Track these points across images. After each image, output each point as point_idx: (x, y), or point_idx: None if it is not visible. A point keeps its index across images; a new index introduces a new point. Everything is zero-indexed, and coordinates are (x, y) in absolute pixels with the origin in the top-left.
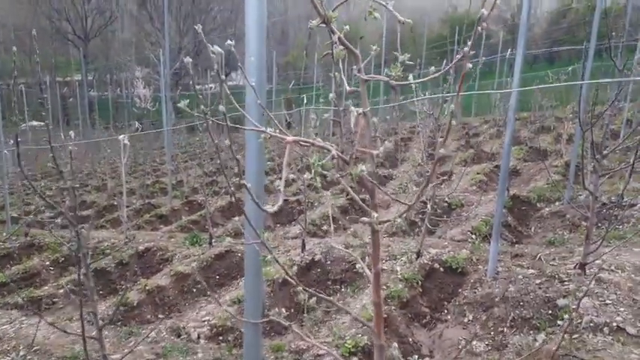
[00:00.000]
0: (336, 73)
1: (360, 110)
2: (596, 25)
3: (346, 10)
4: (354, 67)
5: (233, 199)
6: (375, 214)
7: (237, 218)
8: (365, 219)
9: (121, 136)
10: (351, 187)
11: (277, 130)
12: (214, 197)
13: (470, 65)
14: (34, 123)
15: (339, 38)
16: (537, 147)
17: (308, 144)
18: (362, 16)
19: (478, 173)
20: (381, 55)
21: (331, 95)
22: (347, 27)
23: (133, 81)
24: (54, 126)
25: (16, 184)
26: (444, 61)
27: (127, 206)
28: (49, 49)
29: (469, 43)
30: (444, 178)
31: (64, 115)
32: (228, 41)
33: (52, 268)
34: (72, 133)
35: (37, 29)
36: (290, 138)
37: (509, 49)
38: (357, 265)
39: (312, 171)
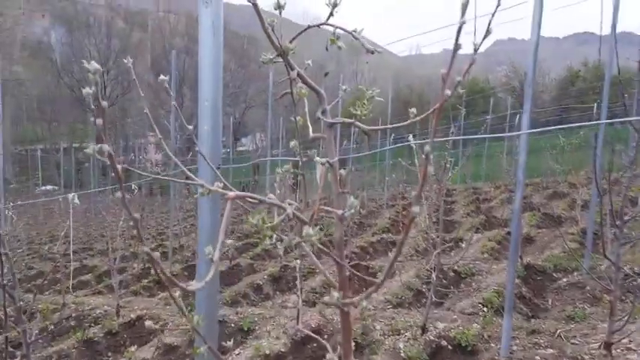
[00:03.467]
0: (299, 117)
1: (325, 160)
2: (607, 86)
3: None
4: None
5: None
6: (336, 294)
7: (237, 285)
8: (326, 299)
9: (70, 195)
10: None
11: (222, 185)
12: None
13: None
14: (49, 187)
15: (299, 74)
16: (551, 213)
17: (256, 201)
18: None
19: (490, 240)
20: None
21: (292, 143)
22: (309, 61)
23: (145, 146)
24: (67, 189)
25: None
26: (451, 126)
27: (126, 270)
28: (69, 116)
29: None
30: (451, 244)
31: (78, 180)
32: None
33: None
34: (72, 195)
35: (58, 98)
36: (232, 193)
37: (518, 114)
38: (327, 356)
39: (262, 235)
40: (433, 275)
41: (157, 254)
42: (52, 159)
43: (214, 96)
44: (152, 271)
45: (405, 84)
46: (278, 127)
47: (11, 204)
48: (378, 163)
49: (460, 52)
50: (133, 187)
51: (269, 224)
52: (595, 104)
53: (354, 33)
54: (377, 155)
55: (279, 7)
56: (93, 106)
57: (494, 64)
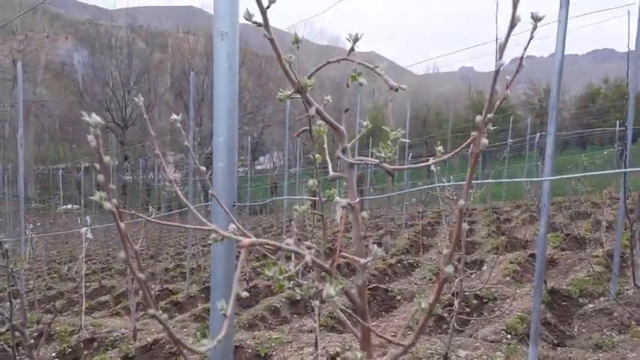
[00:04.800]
0: (317, 155)
1: (345, 202)
2: (632, 104)
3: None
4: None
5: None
6: (359, 354)
7: (254, 308)
8: (349, 355)
9: (83, 229)
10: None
11: (236, 229)
12: None
13: (486, 141)
14: (69, 206)
15: (317, 111)
16: (574, 234)
17: (273, 248)
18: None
19: (511, 262)
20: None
21: (311, 182)
22: (328, 97)
23: (164, 166)
24: (87, 209)
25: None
26: (471, 146)
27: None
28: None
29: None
30: (472, 271)
31: None
32: None
33: None
34: (88, 218)
35: (80, 118)
36: (246, 240)
37: (538, 133)
38: None
39: (278, 285)
40: (455, 303)
41: (165, 316)
42: (73, 178)
43: (230, 131)
44: (170, 293)
45: (423, 102)
46: (295, 146)
47: (31, 225)
48: (397, 183)
49: (479, 69)
50: (150, 211)
51: (286, 274)
52: (617, 122)
53: (376, 69)
54: (395, 176)
55: (297, 41)
56: (96, 157)
57: (512, 82)
